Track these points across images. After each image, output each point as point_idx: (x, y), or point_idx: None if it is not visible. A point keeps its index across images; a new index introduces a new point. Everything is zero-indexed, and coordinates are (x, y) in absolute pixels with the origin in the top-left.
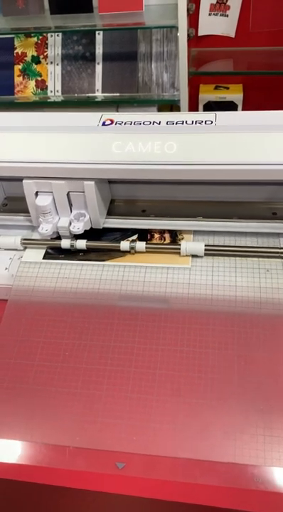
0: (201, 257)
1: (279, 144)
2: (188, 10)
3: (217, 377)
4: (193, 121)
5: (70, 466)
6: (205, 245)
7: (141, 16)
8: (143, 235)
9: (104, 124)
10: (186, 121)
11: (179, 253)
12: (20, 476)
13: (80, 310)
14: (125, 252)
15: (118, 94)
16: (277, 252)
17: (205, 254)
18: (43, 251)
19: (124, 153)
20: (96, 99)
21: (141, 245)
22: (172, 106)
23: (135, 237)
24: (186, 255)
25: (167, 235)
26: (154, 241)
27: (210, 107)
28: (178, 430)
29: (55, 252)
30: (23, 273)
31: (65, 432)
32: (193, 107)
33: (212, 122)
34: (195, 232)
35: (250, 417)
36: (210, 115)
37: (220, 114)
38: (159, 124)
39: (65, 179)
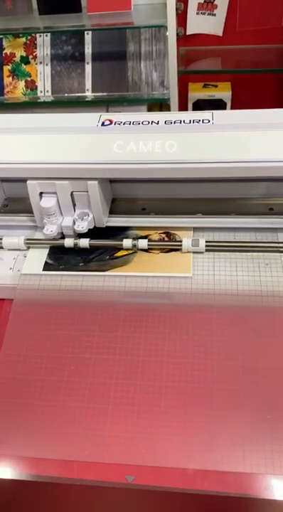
0: (202, 252)
1: (276, 141)
2: (176, 9)
3: (223, 388)
4: (190, 121)
5: (80, 480)
6: (206, 241)
7: (129, 15)
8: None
9: (103, 124)
10: (184, 121)
11: (181, 249)
12: (29, 492)
13: (83, 323)
14: (127, 259)
15: (108, 94)
16: (276, 247)
17: (206, 250)
18: (44, 260)
19: (126, 152)
20: (86, 99)
21: (143, 243)
22: (161, 104)
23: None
24: (188, 251)
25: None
26: (154, 249)
27: (199, 105)
28: (187, 442)
29: (55, 263)
30: (24, 286)
31: (73, 446)
32: (183, 105)
33: (209, 121)
34: (195, 229)
35: (258, 427)
36: (206, 114)
37: (217, 113)
38: (158, 123)
39: (69, 179)
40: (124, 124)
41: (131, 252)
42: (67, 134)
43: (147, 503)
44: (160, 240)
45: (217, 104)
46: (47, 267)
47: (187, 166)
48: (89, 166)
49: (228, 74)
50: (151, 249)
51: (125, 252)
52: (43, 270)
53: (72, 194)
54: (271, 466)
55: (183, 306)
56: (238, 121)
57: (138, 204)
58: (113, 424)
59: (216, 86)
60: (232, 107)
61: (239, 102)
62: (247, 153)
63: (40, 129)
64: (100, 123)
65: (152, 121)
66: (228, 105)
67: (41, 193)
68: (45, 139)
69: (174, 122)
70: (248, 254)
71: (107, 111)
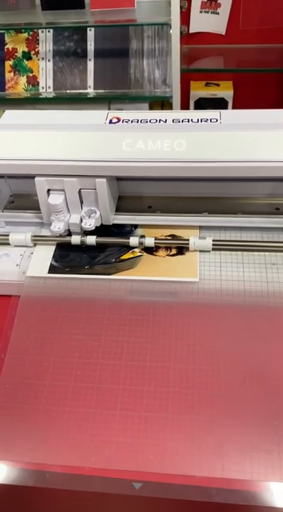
0: (208, 251)
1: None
2: (180, 7)
3: (230, 394)
4: (198, 120)
5: (87, 487)
6: (213, 240)
7: (132, 12)
8: (150, 249)
9: (111, 122)
10: (192, 120)
11: (188, 248)
12: (34, 498)
13: (89, 327)
14: (133, 262)
15: (110, 91)
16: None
17: (213, 249)
18: (49, 261)
19: (135, 151)
20: (88, 96)
21: (149, 240)
22: (163, 102)
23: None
24: (194, 250)
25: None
26: (160, 253)
27: (200, 103)
28: (194, 448)
29: (60, 265)
30: (30, 289)
31: (80, 452)
32: (184, 103)
33: (217, 120)
34: (201, 228)
35: (265, 434)
36: (214, 113)
37: (224, 112)
38: (165, 122)
39: (77, 177)
40: (131, 122)
41: (137, 255)
42: (75, 131)
43: (154, 510)
44: (166, 239)
45: (219, 103)
46: (52, 269)
47: (196, 165)
48: (97, 163)
49: (230, 73)
50: (158, 248)
51: (131, 255)
52: (48, 273)
53: (79, 191)
54: (279, 474)
55: (190, 311)
56: (246, 120)
57: (144, 202)
58: (120, 430)
59: (218, 85)
60: (234, 106)
61: (241, 101)
62: (255, 152)
63: (47, 125)
64: (108, 121)
65: (160, 120)
66: (230, 104)
67: (49, 190)
68: (53, 136)
69: (182, 121)
70: (255, 253)
71: (109, 108)
